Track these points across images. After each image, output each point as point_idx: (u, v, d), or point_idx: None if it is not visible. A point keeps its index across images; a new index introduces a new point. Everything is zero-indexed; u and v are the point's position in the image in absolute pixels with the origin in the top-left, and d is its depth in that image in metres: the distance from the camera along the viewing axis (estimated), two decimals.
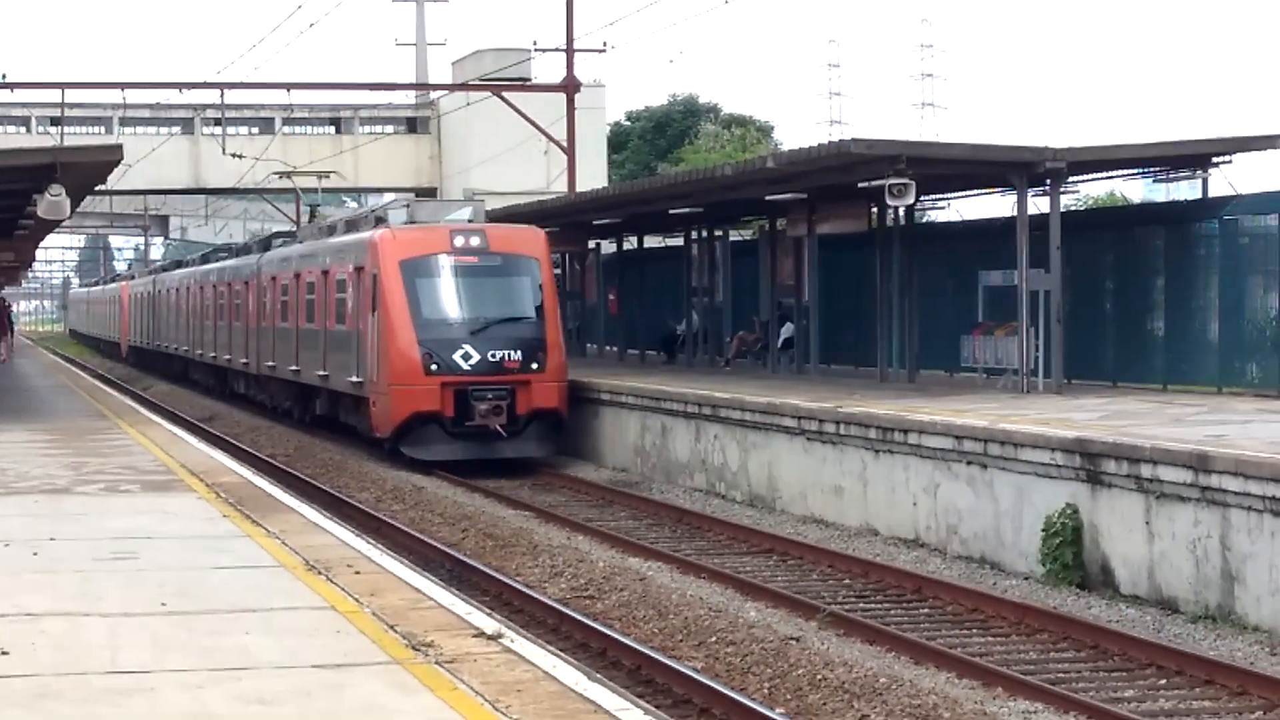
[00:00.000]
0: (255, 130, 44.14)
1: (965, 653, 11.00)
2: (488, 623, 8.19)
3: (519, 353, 22.55)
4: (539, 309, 23.57)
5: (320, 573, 9.85)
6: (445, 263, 23.35)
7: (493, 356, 22.30)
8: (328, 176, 37.40)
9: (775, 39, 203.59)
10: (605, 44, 33.26)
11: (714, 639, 11.72)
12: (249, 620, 8.17)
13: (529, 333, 23.14)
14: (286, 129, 44.15)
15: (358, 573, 9.88)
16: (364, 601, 8.73)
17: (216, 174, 43.48)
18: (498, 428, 22.06)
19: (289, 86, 35.73)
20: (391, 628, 7.83)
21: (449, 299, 23.28)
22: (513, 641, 7.61)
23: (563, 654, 8.05)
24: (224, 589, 9.26)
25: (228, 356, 37.40)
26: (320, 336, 27.77)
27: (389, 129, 45.58)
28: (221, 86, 34.76)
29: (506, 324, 23.09)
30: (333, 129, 44.78)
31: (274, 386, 32.95)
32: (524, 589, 13.97)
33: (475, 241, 23.38)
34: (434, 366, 22.21)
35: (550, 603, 13.20)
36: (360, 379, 24.27)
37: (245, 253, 38.19)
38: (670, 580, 14.50)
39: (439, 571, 13.51)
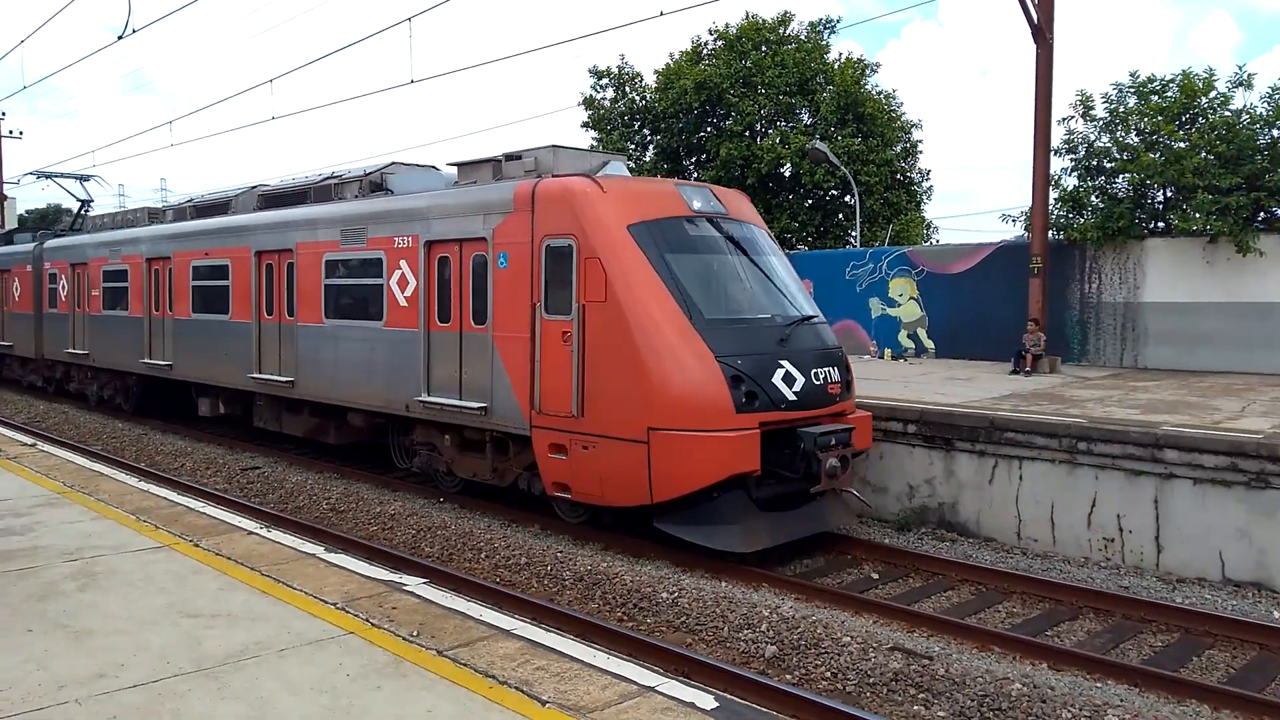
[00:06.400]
0: None
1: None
2: (29, 439, 12.87)
3: (835, 370, 11.58)
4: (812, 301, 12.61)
5: None
6: (695, 231, 11.65)
7: (817, 378, 11.22)
8: None
9: None
10: None
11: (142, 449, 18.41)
12: None
13: (830, 339, 12.04)
14: None
15: None
16: None
17: None
18: (850, 491, 11.65)
19: None
20: None
21: (728, 287, 11.64)
22: (45, 446, 11.91)
23: (76, 449, 12.47)
24: None
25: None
26: (257, 334, 16.26)
27: None
28: None
29: (804, 326, 11.70)
30: None
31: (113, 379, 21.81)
32: (42, 431, 19.41)
33: (709, 203, 12.06)
34: (749, 398, 10.58)
35: (48, 433, 18.86)
36: (504, 406, 11.86)
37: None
38: (80, 412, 22.26)
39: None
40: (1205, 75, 19.31)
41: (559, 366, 11.15)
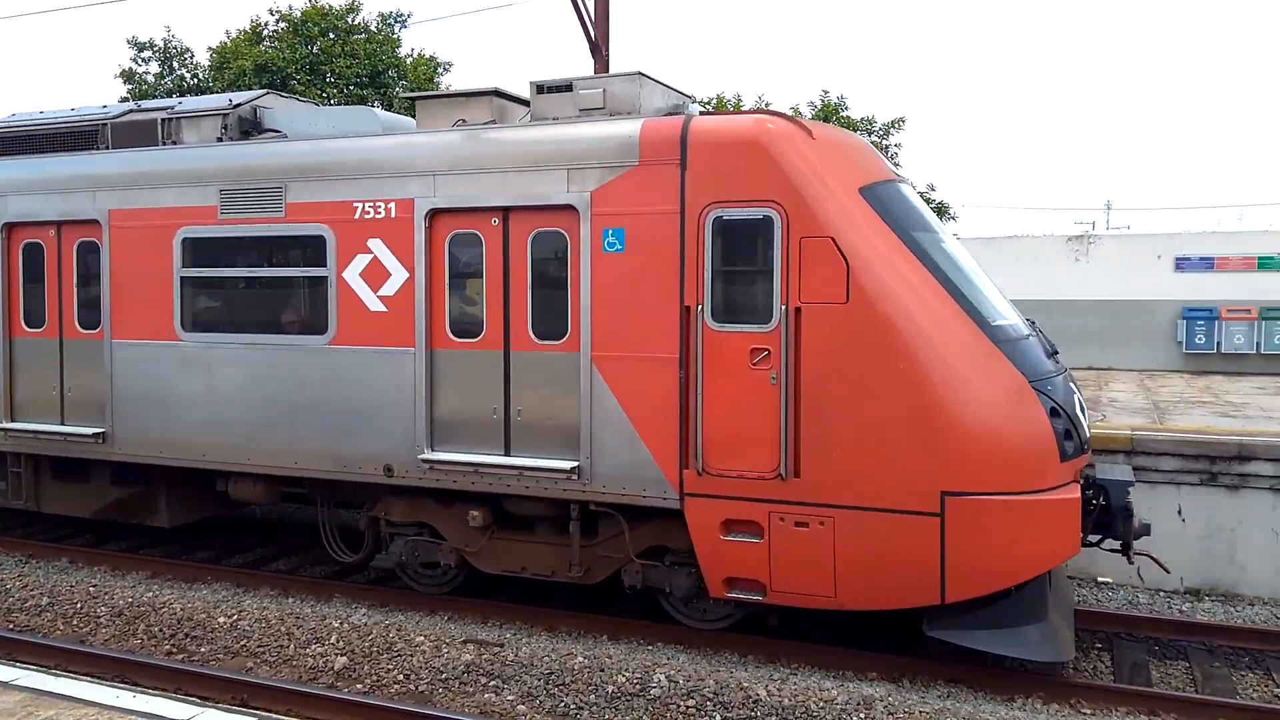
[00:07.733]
0: None
1: None
2: None
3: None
4: None
5: None
6: (918, 201, 8.29)
7: (1088, 407, 8.32)
8: None
9: None
10: None
11: None
12: None
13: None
14: None
15: None
16: None
17: None
18: (1151, 556, 8.84)
19: None
20: None
21: (974, 282, 7.88)
22: None
23: None
24: None
25: None
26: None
27: None
28: None
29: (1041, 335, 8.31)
30: None
31: None
32: None
33: (884, 163, 8.57)
34: (1067, 438, 7.37)
35: None
36: (617, 464, 8.03)
37: None
38: None
39: None
40: (735, 101, 21.47)
41: (746, 402, 7.60)
